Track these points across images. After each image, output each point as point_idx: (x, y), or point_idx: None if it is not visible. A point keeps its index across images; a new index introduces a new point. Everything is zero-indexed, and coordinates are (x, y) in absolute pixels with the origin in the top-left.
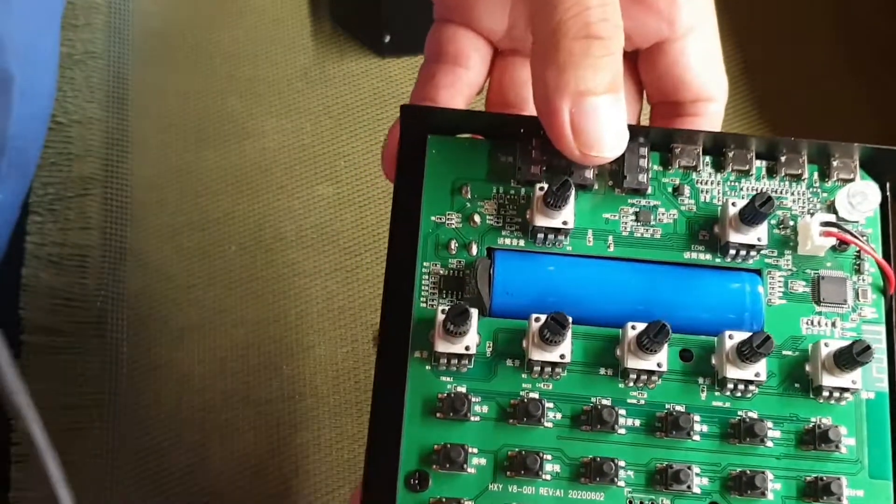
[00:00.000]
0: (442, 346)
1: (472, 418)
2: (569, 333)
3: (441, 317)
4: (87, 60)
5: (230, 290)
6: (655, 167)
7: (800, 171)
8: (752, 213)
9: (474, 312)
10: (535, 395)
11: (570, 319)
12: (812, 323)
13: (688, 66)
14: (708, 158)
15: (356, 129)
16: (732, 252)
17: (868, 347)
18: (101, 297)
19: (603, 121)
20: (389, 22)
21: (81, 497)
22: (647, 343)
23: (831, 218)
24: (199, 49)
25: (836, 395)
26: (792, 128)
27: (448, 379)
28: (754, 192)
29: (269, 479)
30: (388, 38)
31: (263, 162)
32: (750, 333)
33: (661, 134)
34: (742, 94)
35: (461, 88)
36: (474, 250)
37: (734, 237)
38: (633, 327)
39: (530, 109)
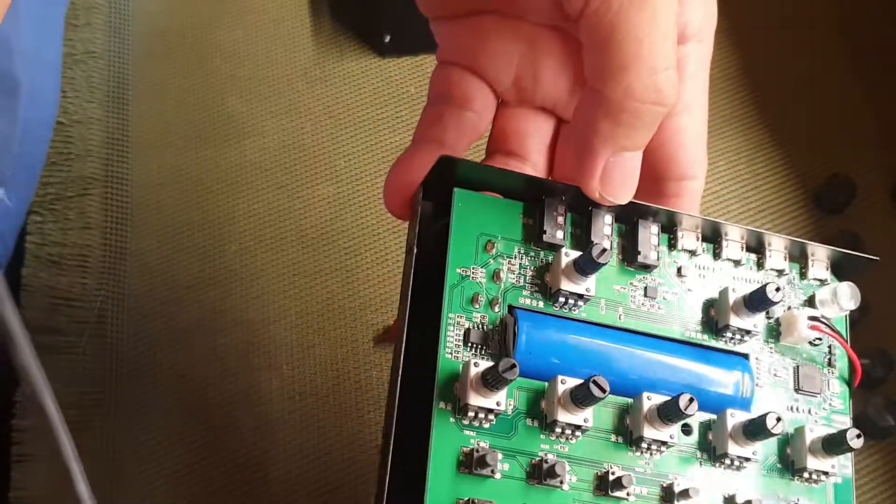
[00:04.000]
0: (474, 399)
1: (496, 475)
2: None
3: (476, 370)
4: (87, 60)
5: (230, 290)
6: (663, 247)
7: (782, 268)
8: (761, 300)
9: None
10: (553, 457)
11: (608, 388)
12: (792, 409)
13: (681, 144)
14: (705, 245)
15: (356, 129)
16: (729, 335)
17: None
18: (101, 297)
19: (629, 173)
20: (390, 22)
21: (81, 497)
22: (669, 415)
23: (816, 312)
24: (199, 49)
25: (815, 476)
26: (791, 129)
27: (471, 433)
28: (746, 282)
29: (270, 479)
30: (388, 38)
31: (263, 162)
32: (753, 416)
33: (666, 215)
34: (741, 95)
35: (467, 131)
36: (497, 307)
37: (735, 321)
38: (649, 398)
39: (532, 162)
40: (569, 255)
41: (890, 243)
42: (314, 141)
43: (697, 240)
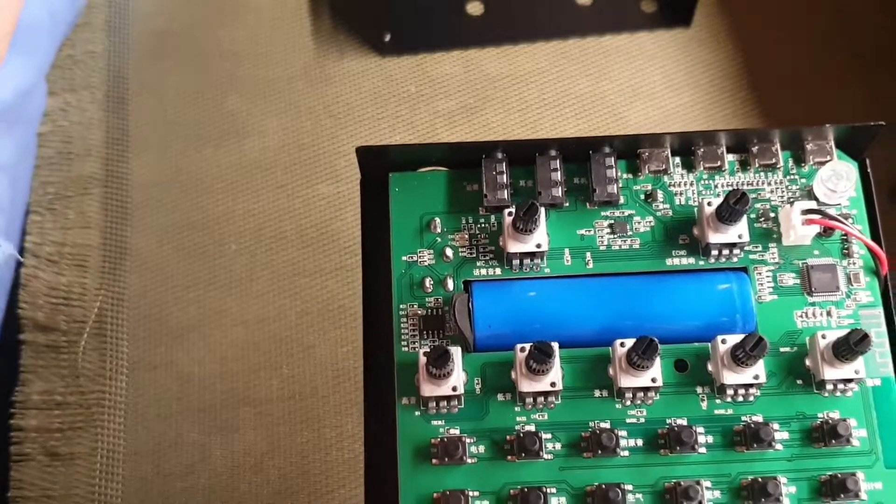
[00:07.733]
0: (428, 390)
1: (469, 460)
2: (556, 360)
3: (423, 360)
4: (87, 60)
5: (230, 290)
6: (625, 175)
7: (773, 161)
8: (729, 211)
9: (456, 351)
10: (531, 428)
11: (555, 346)
12: (806, 315)
13: None
14: (677, 159)
15: (356, 128)
16: (715, 253)
17: (866, 336)
18: (101, 297)
19: None
20: (390, 21)
21: (81, 496)
22: (637, 360)
23: (812, 204)
24: (199, 48)
25: (841, 386)
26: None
27: (440, 422)
28: (729, 189)
29: (270, 479)
30: (388, 37)
31: (264, 161)
32: (742, 336)
33: (626, 141)
34: (741, 94)
35: None
36: (450, 285)
37: (714, 238)
38: (623, 344)
39: None
40: (512, 214)
41: (890, 243)
42: (314, 141)
43: (666, 157)
